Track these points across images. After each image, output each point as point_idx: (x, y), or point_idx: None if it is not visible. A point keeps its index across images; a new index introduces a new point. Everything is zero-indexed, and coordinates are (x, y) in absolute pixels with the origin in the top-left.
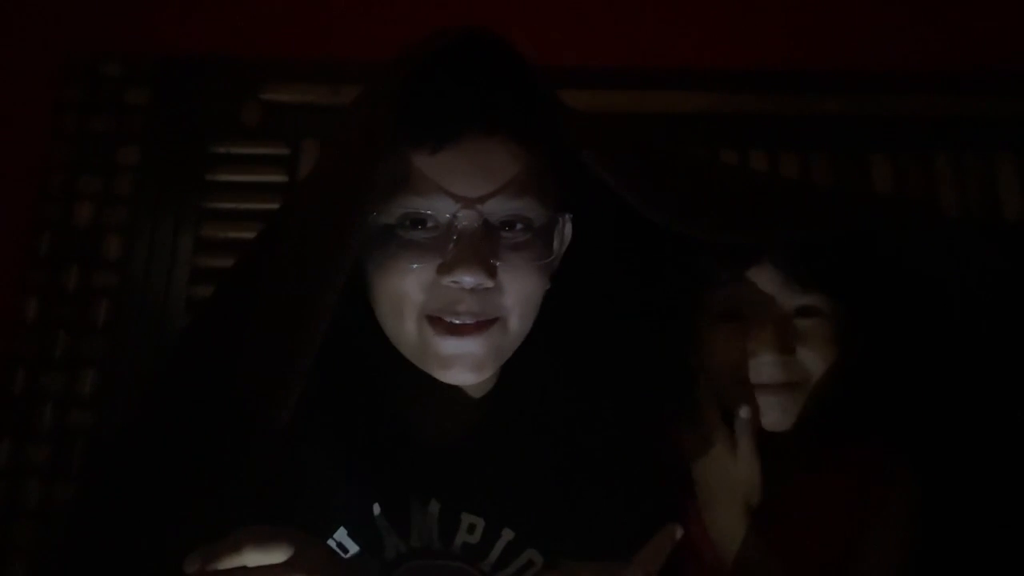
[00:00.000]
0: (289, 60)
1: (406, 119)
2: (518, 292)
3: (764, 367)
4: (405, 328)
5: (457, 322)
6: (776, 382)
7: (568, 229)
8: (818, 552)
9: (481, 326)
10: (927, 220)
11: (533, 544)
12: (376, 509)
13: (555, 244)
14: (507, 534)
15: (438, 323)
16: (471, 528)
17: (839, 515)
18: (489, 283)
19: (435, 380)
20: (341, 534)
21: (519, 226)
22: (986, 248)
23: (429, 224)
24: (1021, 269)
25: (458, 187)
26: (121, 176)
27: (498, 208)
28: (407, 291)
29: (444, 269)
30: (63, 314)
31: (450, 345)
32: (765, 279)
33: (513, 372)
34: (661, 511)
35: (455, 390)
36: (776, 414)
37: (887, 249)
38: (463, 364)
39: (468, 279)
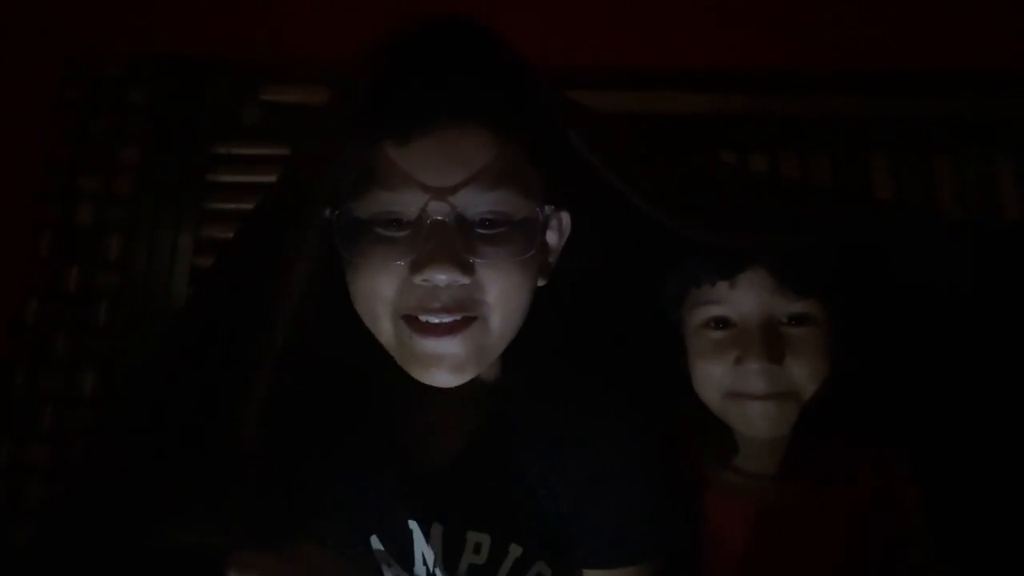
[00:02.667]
0: (289, 60)
1: (376, 109)
2: (499, 289)
3: (750, 376)
4: (382, 329)
5: (434, 321)
6: (761, 392)
7: (566, 223)
8: (831, 561)
9: (458, 325)
10: (925, 226)
11: (542, 557)
12: (375, 542)
13: (548, 238)
14: (515, 550)
15: (414, 323)
16: (477, 548)
17: (852, 524)
18: (464, 280)
19: (429, 391)
20: None
21: (496, 220)
22: (984, 251)
23: (403, 220)
24: (1021, 269)
25: (429, 177)
26: (121, 176)
27: (472, 200)
28: (380, 290)
29: (415, 266)
30: (63, 314)
31: (429, 345)
32: (758, 284)
33: (512, 377)
34: (673, 515)
35: (451, 399)
36: (761, 423)
37: (883, 254)
38: (443, 365)
39: (440, 276)
